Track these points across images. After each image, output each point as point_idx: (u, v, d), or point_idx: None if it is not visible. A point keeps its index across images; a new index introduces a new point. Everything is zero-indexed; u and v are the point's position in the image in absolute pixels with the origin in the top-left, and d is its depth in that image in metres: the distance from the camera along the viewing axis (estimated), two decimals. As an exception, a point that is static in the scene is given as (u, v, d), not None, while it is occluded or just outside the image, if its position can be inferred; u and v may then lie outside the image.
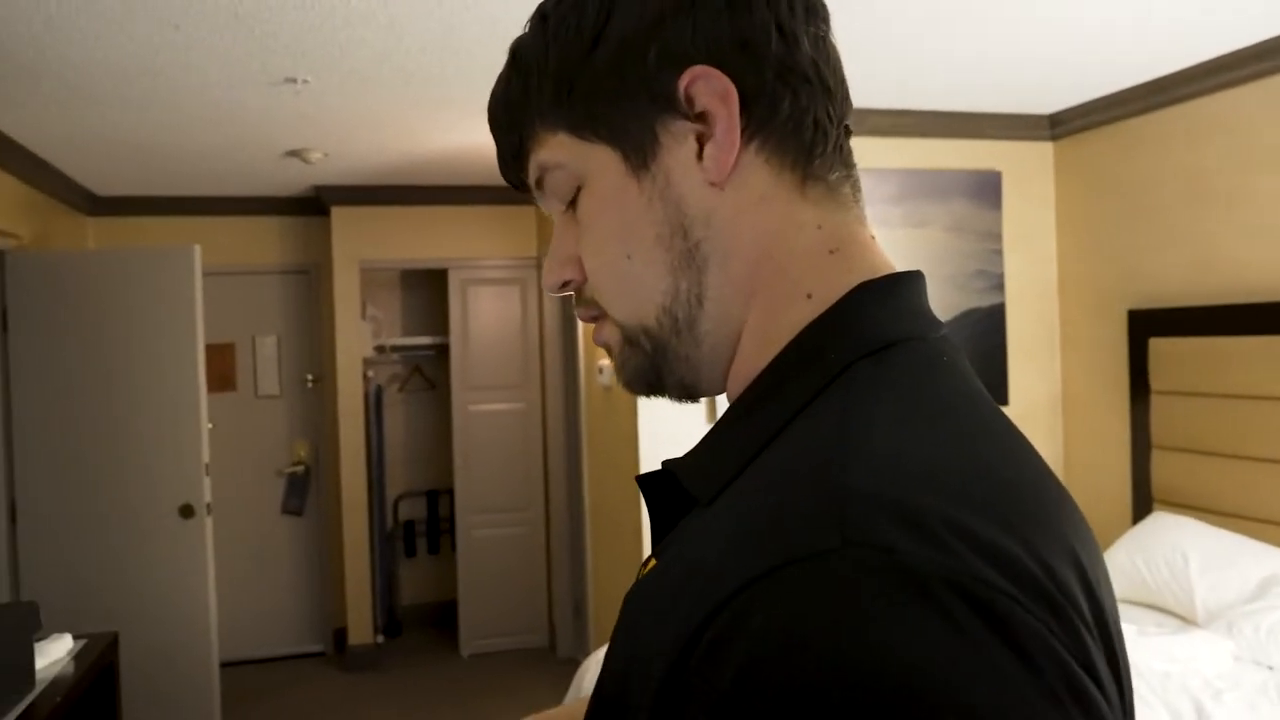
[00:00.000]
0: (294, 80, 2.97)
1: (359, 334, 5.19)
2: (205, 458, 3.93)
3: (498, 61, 2.70)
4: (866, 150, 3.48)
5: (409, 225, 5.13)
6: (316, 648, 5.42)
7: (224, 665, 4.18)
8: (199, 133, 3.61)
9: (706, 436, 0.61)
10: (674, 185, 0.59)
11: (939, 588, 0.41)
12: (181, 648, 3.90)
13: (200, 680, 3.94)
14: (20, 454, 3.85)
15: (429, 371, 5.93)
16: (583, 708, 0.89)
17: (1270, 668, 2.54)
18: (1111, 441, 3.65)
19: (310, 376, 5.41)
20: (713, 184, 0.58)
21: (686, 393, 0.64)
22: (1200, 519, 3.15)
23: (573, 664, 4.94)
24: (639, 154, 0.59)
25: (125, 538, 3.88)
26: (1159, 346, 3.39)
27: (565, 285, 0.65)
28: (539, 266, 5.26)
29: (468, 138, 3.87)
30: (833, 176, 0.60)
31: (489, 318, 5.28)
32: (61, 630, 2.45)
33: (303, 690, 4.90)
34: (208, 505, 3.93)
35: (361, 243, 5.09)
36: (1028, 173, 3.90)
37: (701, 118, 0.57)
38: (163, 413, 3.91)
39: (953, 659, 0.40)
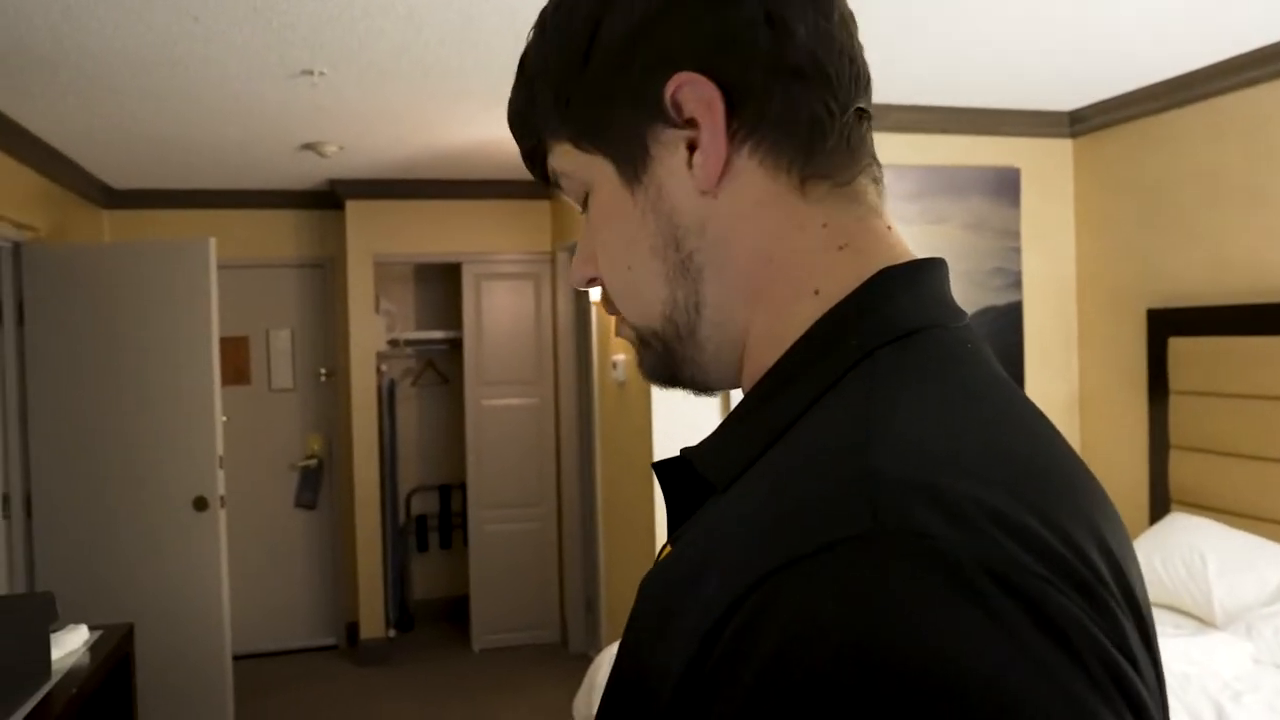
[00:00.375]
0: (311, 73, 2.97)
1: (373, 328, 5.19)
2: (219, 450, 3.93)
3: (517, 54, 2.70)
4: (885, 146, 3.45)
5: (423, 219, 5.13)
6: (329, 641, 5.44)
7: (236, 658, 4.19)
8: (215, 125, 3.62)
9: (722, 424, 0.60)
10: (666, 197, 0.58)
11: (973, 573, 0.41)
12: (195, 640, 3.91)
13: (213, 673, 3.95)
14: (35, 446, 3.87)
15: (442, 366, 5.93)
16: None
17: (1290, 670, 2.52)
18: (1129, 441, 3.63)
19: (324, 370, 5.42)
20: (704, 192, 0.57)
21: (700, 389, 0.65)
22: (1218, 520, 3.13)
23: (584, 659, 4.94)
24: (631, 166, 0.59)
25: (139, 530, 3.90)
26: (1178, 346, 3.37)
27: (590, 282, 0.66)
28: (553, 261, 5.25)
29: (485, 131, 3.87)
30: (838, 172, 0.58)
31: (503, 312, 5.27)
32: (76, 621, 2.46)
33: (314, 684, 4.91)
34: (221, 498, 3.94)
35: (376, 237, 5.09)
36: (1047, 170, 3.88)
37: (690, 124, 0.57)
38: (177, 406, 3.92)
39: (989, 647, 0.39)
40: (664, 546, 0.60)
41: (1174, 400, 3.38)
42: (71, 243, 4.34)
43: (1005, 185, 3.80)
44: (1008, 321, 3.80)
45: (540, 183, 0.68)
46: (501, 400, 5.27)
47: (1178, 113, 3.41)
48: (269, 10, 2.45)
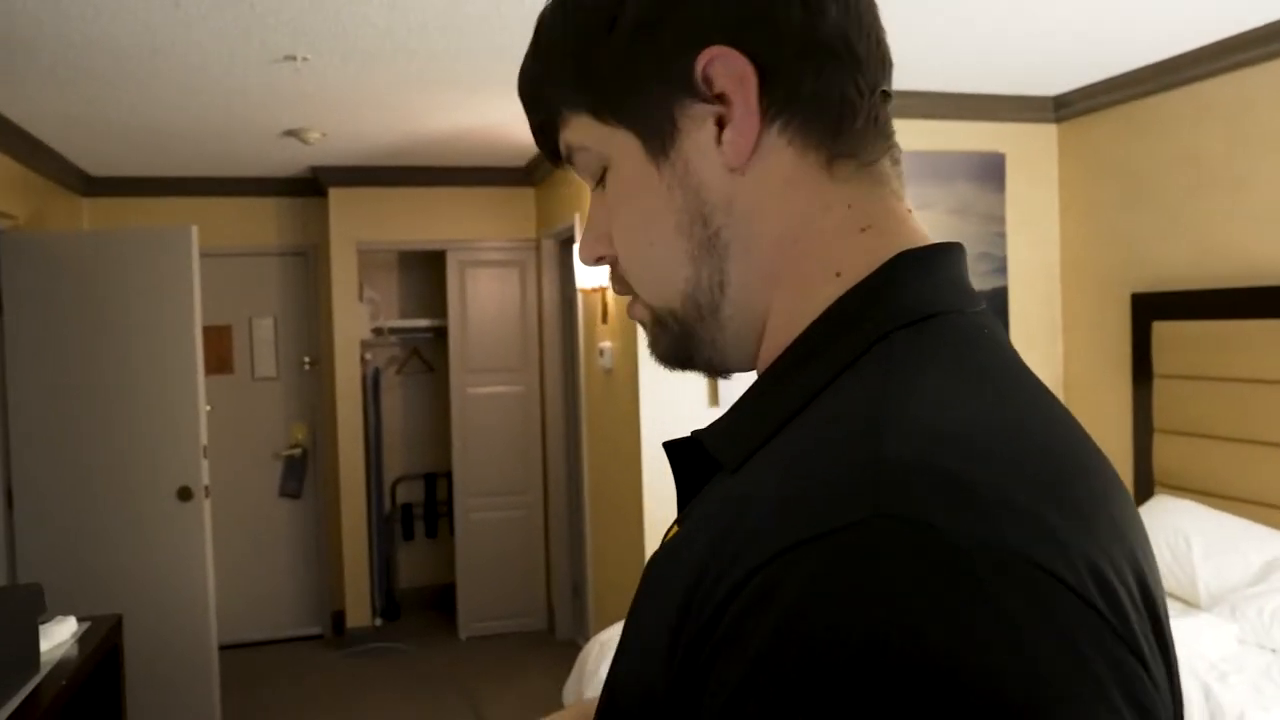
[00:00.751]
0: (294, 58, 2.94)
1: (356, 316, 5.16)
2: (203, 440, 3.91)
3: (503, 39, 2.67)
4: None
5: (407, 207, 5.10)
6: (314, 630, 5.42)
7: (222, 648, 4.17)
8: (196, 112, 3.58)
9: (735, 405, 0.59)
10: (693, 172, 0.57)
11: (974, 561, 0.40)
12: (180, 631, 3.89)
13: (199, 663, 3.93)
14: (16, 436, 3.83)
15: (427, 354, 5.91)
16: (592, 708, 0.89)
17: (1274, 650, 2.55)
18: (1113, 425, 3.65)
19: (307, 359, 5.39)
20: (733, 169, 0.56)
21: (715, 370, 0.64)
22: (1202, 502, 3.15)
23: (571, 646, 4.94)
24: (658, 140, 0.57)
25: (123, 521, 3.87)
26: (1162, 330, 3.39)
27: (599, 260, 0.64)
28: (538, 249, 5.24)
29: (469, 117, 3.84)
30: (865, 152, 0.57)
31: (487, 300, 5.25)
32: (57, 613, 2.44)
33: (301, 673, 4.90)
34: (206, 488, 3.91)
35: (359, 224, 5.06)
36: (1031, 155, 3.89)
37: (720, 99, 0.55)
38: (160, 395, 3.88)
39: (983, 637, 0.39)
40: (671, 526, 0.60)
41: (1158, 384, 3.41)
42: (51, 231, 4.29)
43: (990, 170, 3.80)
44: (993, 306, 3.80)
45: (549, 158, 0.66)
46: (487, 388, 5.25)
47: (1162, 97, 3.42)
48: (251, -6, 2.42)
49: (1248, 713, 2.26)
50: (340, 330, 5.08)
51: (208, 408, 4.03)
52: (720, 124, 0.56)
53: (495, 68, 3.11)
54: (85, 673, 2.14)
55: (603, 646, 2.98)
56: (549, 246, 5.12)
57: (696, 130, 0.56)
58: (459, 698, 4.47)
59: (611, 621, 3.75)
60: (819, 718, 0.39)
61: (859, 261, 0.56)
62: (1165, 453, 3.39)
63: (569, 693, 3.14)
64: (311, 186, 5.17)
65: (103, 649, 2.32)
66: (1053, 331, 3.93)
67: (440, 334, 5.66)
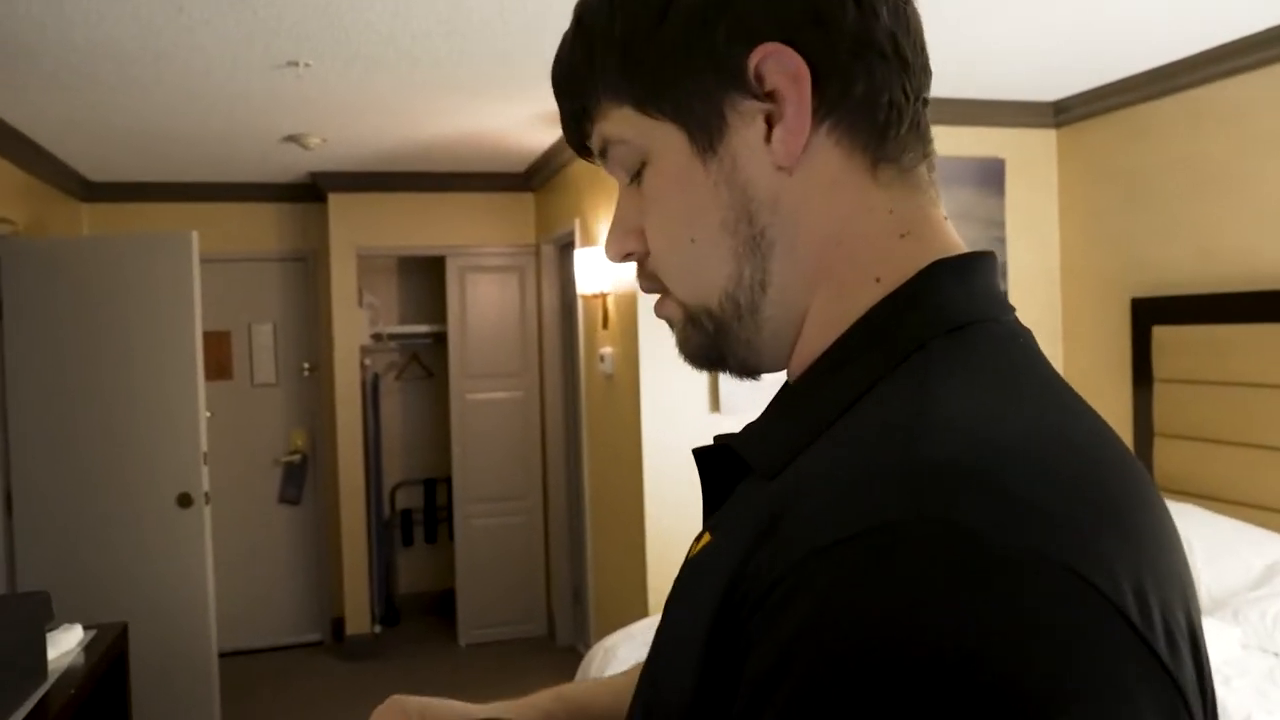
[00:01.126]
0: (296, 64, 2.94)
1: (356, 322, 5.16)
2: (203, 446, 3.90)
3: (506, 45, 2.67)
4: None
5: (407, 212, 5.10)
6: (314, 637, 5.41)
7: (221, 655, 4.15)
8: (198, 117, 3.58)
9: (769, 412, 0.60)
10: (741, 169, 0.56)
11: (1009, 567, 0.41)
12: (180, 638, 3.88)
13: (199, 670, 3.92)
14: (16, 442, 3.82)
15: (426, 360, 5.90)
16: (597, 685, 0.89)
17: (1277, 654, 2.55)
18: (1114, 429, 3.65)
19: (307, 365, 5.38)
20: (781, 168, 0.56)
21: (747, 372, 0.63)
22: (1203, 506, 3.16)
23: (572, 652, 4.93)
24: (705, 135, 0.56)
25: (122, 527, 3.86)
26: (1162, 334, 3.40)
27: (628, 256, 0.63)
28: (538, 254, 5.24)
29: (471, 123, 3.85)
30: (906, 157, 0.57)
31: (487, 306, 5.25)
32: (59, 620, 2.43)
33: (300, 680, 4.89)
34: (206, 494, 3.90)
35: (359, 230, 5.06)
36: (1031, 160, 3.90)
37: (771, 97, 0.55)
38: (160, 401, 3.88)
39: (1015, 641, 0.39)
40: (702, 533, 0.60)
41: (1158, 388, 3.41)
42: (50, 237, 4.29)
43: (990, 175, 3.81)
44: (993, 311, 3.82)
45: (577, 150, 0.65)
46: (486, 394, 5.25)
47: (1160, 102, 3.44)
48: (255, 0, 2.42)
49: (1253, 716, 2.26)
50: (340, 336, 5.07)
51: (208, 414, 4.03)
52: (769, 122, 0.55)
53: (497, 73, 3.11)
54: (93, 681, 2.14)
55: (606, 652, 2.98)
56: (549, 252, 5.12)
57: (746, 127, 0.56)
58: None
59: (612, 628, 3.74)
60: (843, 708, 0.39)
61: (898, 267, 0.56)
62: (1166, 457, 3.40)
63: (571, 698, 3.14)
64: (311, 192, 5.17)
65: (109, 657, 2.31)
66: (1053, 336, 3.93)
67: (440, 339, 5.65)
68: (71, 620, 2.46)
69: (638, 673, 0.89)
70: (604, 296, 4.05)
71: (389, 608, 5.60)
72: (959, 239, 0.59)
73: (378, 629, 5.33)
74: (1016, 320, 0.57)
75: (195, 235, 3.90)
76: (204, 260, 4.51)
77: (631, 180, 0.61)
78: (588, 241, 4.26)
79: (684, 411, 3.61)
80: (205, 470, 3.91)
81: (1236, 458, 3.12)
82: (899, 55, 0.56)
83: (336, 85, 3.20)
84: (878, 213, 0.57)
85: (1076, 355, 3.87)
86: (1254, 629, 2.61)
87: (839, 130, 0.56)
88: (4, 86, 3.08)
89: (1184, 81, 3.30)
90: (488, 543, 5.27)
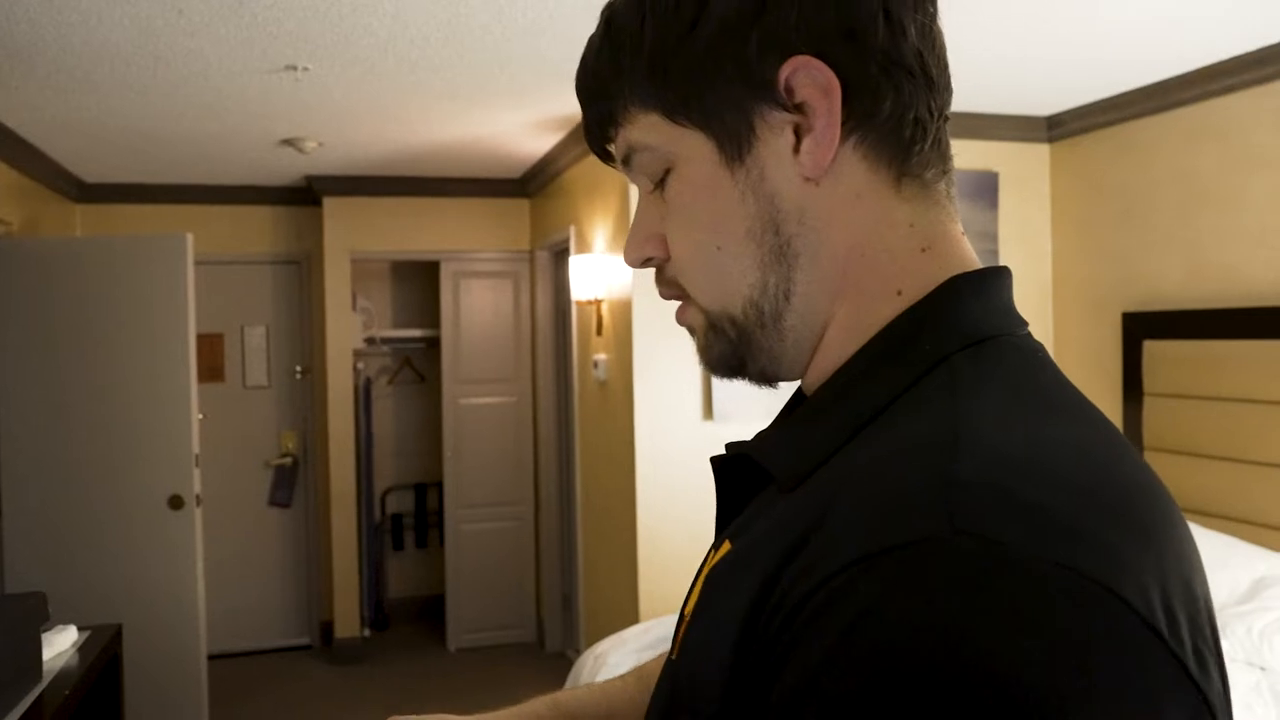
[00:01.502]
0: (294, 68, 2.95)
1: (349, 325, 5.15)
2: (195, 449, 3.89)
3: (505, 51, 2.67)
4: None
5: (401, 217, 5.10)
6: (303, 641, 5.39)
7: (210, 658, 4.14)
8: (194, 119, 3.58)
9: (789, 422, 0.60)
10: (768, 179, 0.57)
11: (1046, 583, 0.41)
12: (169, 641, 3.86)
13: (188, 673, 3.90)
14: (8, 443, 3.80)
15: (419, 364, 5.90)
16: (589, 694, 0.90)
17: (1263, 669, 2.57)
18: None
19: (299, 368, 5.38)
20: (808, 179, 0.56)
21: (766, 379, 0.63)
22: (1192, 521, 3.17)
23: (561, 659, 4.93)
24: (734, 144, 0.57)
25: (113, 529, 3.84)
26: (1153, 349, 3.42)
27: (647, 262, 0.64)
28: (532, 260, 5.24)
29: (468, 128, 3.85)
30: (928, 173, 0.58)
31: (481, 311, 5.26)
32: (54, 622, 2.43)
33: (289, 683, 4.87)
34: (197, 497, 3.90)
35: (353, 234, 5.06)
36: (1025, 174, 3.92)
37: (800, 109, 0.55)
38: (152, 403, 3.87)
39: (1050, 658, 0.40)
40: (721, 543, 0.60)
41: (1148, 402, 3.43)
42: (44, 237, 4.28)
43: (984, 188, 3.83)
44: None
45: (599, 155, 0.65)
46: (479, 399, 5.25)
47: (1153, 119, 3.46)
48: (255, 3, 2.43)
49: (1239, 730, 2.27)
50: (333, 339, 5.07)
51: (200, 416, 4.02)
52: (797, 133, 0.56)
53: (495, 79, 3.12)
54: (88, 683, 2.13)
55: (597, 659, 2.98)
56: (543, 258, 5.13)
57: (774, 138, 0.56)
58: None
59: (602, 634, 3.74)
60: (884, 718, 0.40)
61: (918, 281, 0.57)
62: (1156, 471, 3.41)
63: (561, 705, 3.13)
64: (306, 195, 5.17)
65: (103, 658, 2.31)
66: (1045, 348, 3.95)
67: (433, 344, 5.65)
68: (62, 621, 2.46)
69: (633, 679, 0.90)
70: (598, 303, 4.05)
71: (378, 612, 5.59)
72: (974, 254, 0.60)
73: (367, 633, 5.32)
74: (1030, 335, 0.58)
75: (190, 237, 3.90)
76: (198, 262, 4.51)
77: (655, 187, 0.62)
78: (583, 248, 4.27)
79: (677, 419, 3.62)
80: (197, 472, 3.90)
81: (1225, 472, 3.14)
82: (925, 73, 0.57)
83: (334, 89, 3.21)
84: (900, 227, 0.57)
85: (1068, 368, 3.89)
86: (1241, 643, 2.62)
87: (865, 144, 0.56)
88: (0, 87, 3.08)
89: (1177, 99, 3.33)
90: (478, 548, 5.26)
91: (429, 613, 5.74)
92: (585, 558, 4.48)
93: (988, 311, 0.56)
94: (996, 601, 0.41)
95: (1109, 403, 3.64)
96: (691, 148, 0.58)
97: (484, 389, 5.26)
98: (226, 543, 5.18)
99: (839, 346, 0.58)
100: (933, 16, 0.58)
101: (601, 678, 2.83)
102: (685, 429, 3.61)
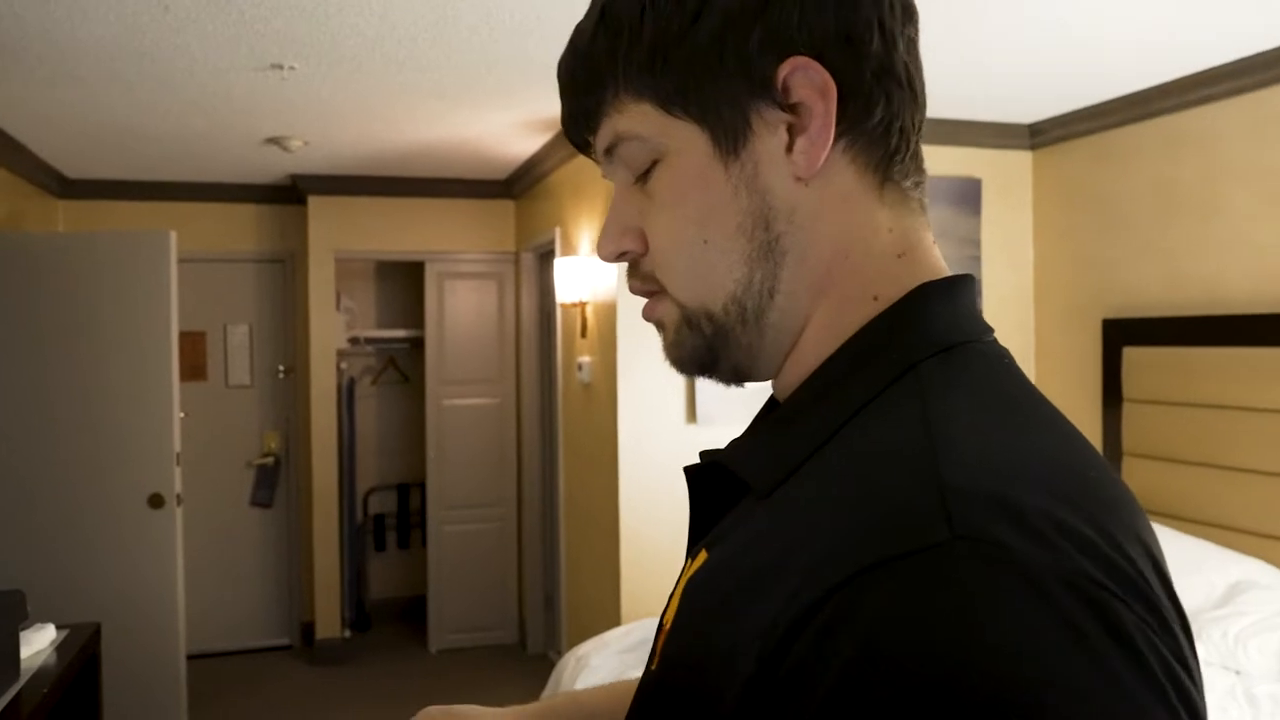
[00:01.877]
0: (280, 66, 2.94)
1: (333, 325, 5.14)
2: (177, 447, 3.87)
3: (493, 52, 2.67)
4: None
5: (387, 216, 5.09)
6: (283, 641, 5.37)
7: (189, 658, 4.12)
8: (180, 117, 3.57)
9: (762, 428, 0.60)
10: (761, 176, 0.57)
11: (1050, 583, 0.42)
12: (148, 640, 3.84)
13: (167, 673, 3.88)
14: (-14, 439, 3.78)
15: (403, 364, 5.89)
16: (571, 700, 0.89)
17: (1238, 672, 2.60)
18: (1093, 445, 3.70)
19: (282, 367, 5.36)
20: (799, 179, 0.57)
21: (738, 378, 0.63)
22: (1170, 525, 3.21)
23: (543, 660, 4.93)
24: (730, 138, 0.57)
25: (93, 527, 3.82)
26: (1132, 356, 3.45)
27: (622, 255, 0.63)
28: (517, 261, 5.24)
29: (454, 129, 3.85)
30: (907, 182, 0.60)
31: (465, 312, 5.25)
32: (32, 620, 2.41)
33: (269, 684, 4.85)
34: (178, 496, 3.88)
35: (338, 233, 5.04)
36: (1007, 181, 3.95)
37: (795, 109, 0.56)
38: (134, 401, 3.85)
39: (1068, 657, 0.40)
40: (696, 551, 0.60)
41: (1127, 408, 3.47)
42: (25, 233, 4.25)
43: (967, 195, 3.86)
44: (968, 329, 3.86)
45: (577, 144, 0.65)
46: (463, 400, 5.25)
47: (1134, 128, 3.50)
48: (242, 1, 2.42)
49: (1213, 732, 2.30)
50: (316, 339, 5.05)
51: (182, 414, 4.00)
52: (791, 132, 0.57)
53: (482, 80, 3.13)
54: (66, 681, 2.12)
55: (579, 660, 2.98)
56: (528, 259, 5.13)
57: (769, 135, 0.57)
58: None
59: (584, 636, 3.75)
60: None
61: (893, 286, 0.58)
62: (1134, 476, 3.45)
63: (542, 706, 3.13)
64: (291, 194, 5.15)
65: (81, 657, 2.30)
66: (1026, 354, 3.98)
67: (417, 345, 5.64)
68: (41, 620, 2.44)
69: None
70: (583, 305, 4.06)
71: (360, 613, 5.57)
72: (944, 263, 0.61)
73: (348, 634, 5.30)
74: (996, 340, 0.59)
75: (173, 235, 3.88)
76: (181, 260, 4.49)
77: (637, 180, 0.61)
78: (568, 250, 4.28)
79: (661, 422, 3.63)
80: (178, 471, 3.88)
81: (1202, 478, 3.18)
82: (911, 86, 0.58)
83: (320, 88, 3.20)
84: (881, 231, 0.58)
85: (1049, 373, 3.92)
86: (1216, 647, 2.65)
87: (855, 149, 0.57)
88: (-16, 81, 3.06)
89: (1157, 108, 3.36)
90: (461, 549, 5.26)
91: (411, 614, 5.73)
92: (568, 559, 4.48)
93: (955, 318, 0.57)
94: (1009, 607, 0.41)
95: (1089, 408, 3.68)
96: (684, 140, 0.58)
97: (468, 390, 5.26)
98: (207, 542, 5.16)
99: (814, 348, 0.59)
100: (917, 33, 0.60)
101: (583, 679, 2.83)
102: (669, 431, 3.62)
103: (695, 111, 0.58)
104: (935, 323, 0.56)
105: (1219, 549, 3.00)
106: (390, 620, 5.76)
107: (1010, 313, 3.95)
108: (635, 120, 0.59)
